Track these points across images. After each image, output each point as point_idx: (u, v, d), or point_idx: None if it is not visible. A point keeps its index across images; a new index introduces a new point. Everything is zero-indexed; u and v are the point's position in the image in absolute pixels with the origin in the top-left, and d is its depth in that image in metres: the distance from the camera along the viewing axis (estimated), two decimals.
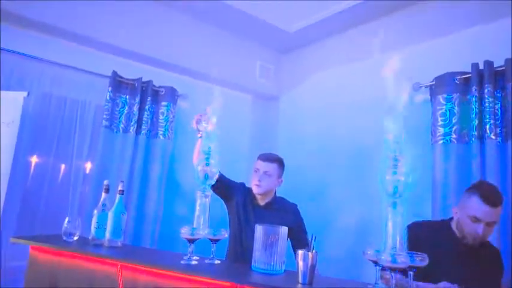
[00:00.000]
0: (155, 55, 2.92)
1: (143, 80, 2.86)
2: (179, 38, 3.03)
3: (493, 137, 2.03)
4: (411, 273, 1.17)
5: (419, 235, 1.51)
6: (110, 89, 2.70)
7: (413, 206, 2.36)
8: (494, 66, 2.11)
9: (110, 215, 1.58)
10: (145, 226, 2.74)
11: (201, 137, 1.89)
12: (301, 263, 1.19)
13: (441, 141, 2.23)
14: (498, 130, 2.06)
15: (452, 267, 1.58)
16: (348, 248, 2.72)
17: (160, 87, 2.95)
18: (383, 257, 1.09)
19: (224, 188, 2.08)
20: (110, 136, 2.69)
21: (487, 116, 2.06)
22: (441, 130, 2.25)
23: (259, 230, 1.34)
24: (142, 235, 2.72)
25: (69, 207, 2.55)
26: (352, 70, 3.05)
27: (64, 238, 1.62)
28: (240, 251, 2.02)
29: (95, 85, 2.71)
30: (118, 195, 1.62)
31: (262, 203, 2.12)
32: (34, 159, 2.52)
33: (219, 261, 1.42)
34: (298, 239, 2.05)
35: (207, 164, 1.47)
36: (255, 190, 2.10)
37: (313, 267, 1.19)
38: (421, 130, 2.42)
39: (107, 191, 1.66)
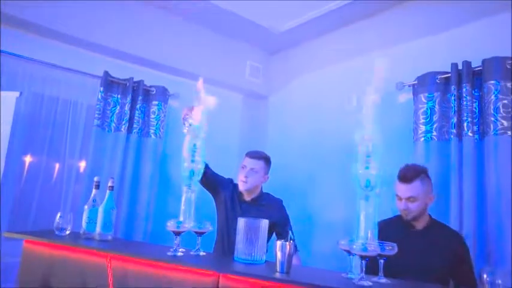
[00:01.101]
0: (146, 55, 2.98)
1: (134, 79, 2.91)
2: (170, 38, 3.09)
3: (471, 134, 2.11)
4: (381, 261, 1.25)
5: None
6: (101, 88, 2.75)
7: (395, 203, 2.44)
8: (473, 66, 2.20)
9: (100, 210, 1.64)
10: (137, 223, 2.80)
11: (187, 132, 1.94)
12: (279, 253, 1.27)
13: (422, 139, 2.32)
14: (475, 128, 2.15)
15: (406, 251, 1.66)
16: (335, 244, 2.80)
17: (151, 86, 3.01)
18: (354, 246, 1.17)
19: (210, 181, 2.15)
20: (101, 135, 2.75)
21: (465, 114, 2.14)
22: (422, 128, 2.33)
23: (241, 222, 1.41)
24: (134, 232, 2.78)
25: (62, 204, 2.61)
26: (339, 70, 3.13)
27: (56, 232, 1.68)
28: (226, 245, 2.10)
29: (86, 85, 2.77)
30: (108, 191, 1.68)
31: (248, 198, 2.19)
32: (27, 158, 2.57)
33: (204, 253, 1.49)
34: (284, 235, 2.12)
35: (192, 161, 1.53)
36: (241, 186, 2.18)
37: (290, 257, 1.27)
38: (406, 128, 2.50)
39: (97, 187, 1.72)
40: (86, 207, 1.69)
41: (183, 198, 1.50)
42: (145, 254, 1.43)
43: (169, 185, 3.06)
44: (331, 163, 2.99)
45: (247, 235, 1.39)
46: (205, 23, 3.22)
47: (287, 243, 1.26)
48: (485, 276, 1.04)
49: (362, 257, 1.17)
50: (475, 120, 2.16)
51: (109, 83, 2.82)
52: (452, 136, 2.18)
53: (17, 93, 2.13)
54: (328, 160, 3.03)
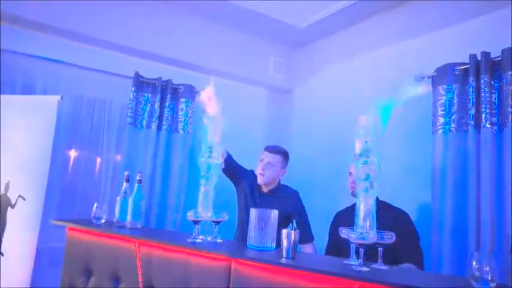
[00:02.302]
0: (174, 55, 3.17)
1: (163, 79, 3.11)
2: (195, 38, 3.25)
3: (489, 126, 2.10)
4: (380, 249, 1.34)
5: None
6: (133, 88, 2.97)
7: (415, 193, 2.49)
8: (492, 56, 2.17)
9: (130, 201, 1.83)
10: (168, 214, 3.02)
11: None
12: (285, 241, 1.38)
13: (441, 131, 2.32)
14: (495, 119, 2.13)
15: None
16: None
17: (179, 85, 3.19)
18: (352, 235, 1.26)
19: (232, 171, 2.33)
20: (134, 132, 2.97)
21: (483, 106, 2.13)
22: (441, 120, 2.33)
23: (253, 213, 1.54)
24: (165, 222, 2.99)
25: (101, 195, 2.86)
26: (362, 63, 3.16)
27: (93, 221, 1.90)
28: (246, 232, 2.24)
29: (120, 86, 3.00)
30: (136, 184, 1.87)
31: (265, 190, 2.34)
32: (72, 154, 2.84)
33: (221, 240, 1.64)
34: (301, 228, 2.24)
35: (209, 157, 1.67)
36: (258, 179, 2.31)
37: (295, 244, 1.38)
38: (425, 121, 2.51)
39: (128, 180, 1.92)
40: (118, 198, 1.89)
41: (201, 190, 1.65)
42: (168, 240, 1.61)
43: (198, 177, 3.23)
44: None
45: (259, 224, 1.52)
46: (229, 23, 3.35)
47: (292, 231, 1.38)
48: (474, 263, 1.10)
49: (359, 245, 1.27)
50: (494, 112, 2.14)
51: (140, 83, 3.03)
52: (470, 128, 2.17)
53: (58, 97, 2.36)
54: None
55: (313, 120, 3.51)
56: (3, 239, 2.22)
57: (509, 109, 2.03)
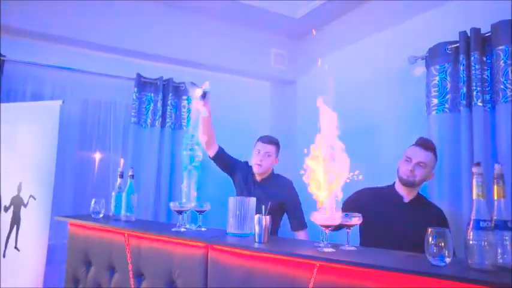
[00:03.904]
0: (175, 54, 3.26)
1: (164, 78, 3.21)
2: (195, 36, 3.32)
3: (480, 104, 2.05)
4: (348, 231, 1.36)
5: (358, 199, 1.84)
6: (135, 89, 3.09)
7: None
8: (483, 32, 2.10)
9: (123, 195, 1.94)
10: None
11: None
12: (257, 227, 1.43)
13: (434, 112, 2.28)
14: (488, 97, 2.07)
15: (392, 224, 1.73)
16: None
17: (180, 83, 3.29)
18: (315, 217, 1.29)
19: (225, 163, 2.42)
20: (138, 131, 3.10)
21: (474, 84, 2.08)
22: (434, 101, 2.29)
23: (231, 201, 1.60)
24: (172, 215, 3.11)
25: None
26: (360, 47, 3.12)
27: (92, 216, 2.02)
28: None
29: (123, 87, 3.13)
30: (129, 180, 1.97)
31: (259, 179, 2.39)
32: (81, 155, 3.00)
33: (205, 229, 1.71)
34: (295, 215, 2.28)
35: (191, 150, 1.75)
36: (256, 169, 2.37)
37: (267, 228, 1.42)
38: (420, 103, 2.46)
39: (122, 176, 2.02)
40: (113, 193, 2.00)
41: (185, 182, 1.73)
42: (153, 230, 1.69)
43: (204, 171, 3.32)
44: (361, 143, 3.01)
45: (237, 212, 1.57)
46: (226, 19, 3.39)
47: (264, 217, 1.42)
48: (430, 239, 1.11)
49: (324, 227, 1.29)
50: (487, 89, 2.08)
51: (142, 84, 3.15)
52: (461, 107, 2.12)
53: (60, 102, 2.51)
54: (359, 140, 3.05)
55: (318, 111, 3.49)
56: (19, 236, 2.40)
57: (501, 86, 1.97)
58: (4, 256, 2.41)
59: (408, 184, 1.87)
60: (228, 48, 3.47)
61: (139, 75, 3.13)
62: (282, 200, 2.26)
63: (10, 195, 2.45)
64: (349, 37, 3.19)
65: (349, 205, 1.61)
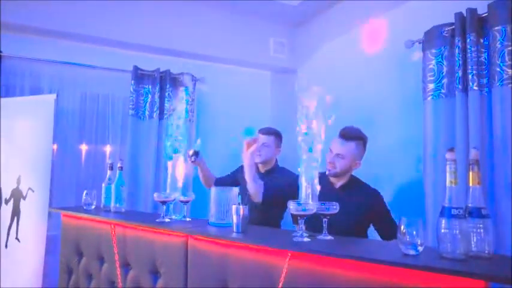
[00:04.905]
0: (172, 46, 3.24)
1: (161, 70, 3.21)
2: (192, 27, 3.29)
3: (476, 88, 1.96)
4: (325, 219, 1.33)
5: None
6: (132, 82, 3.10)
7: (406, 164, 2.42)
8: (479, 13, 2.01)
9: (113, 187, 1.95)
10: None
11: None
12: (235, 217, 1.42)
13: (430, 98, 2.21)
14: (485, 80, 1.99)
15: None
16: None
17: (178, 74, 3.28)
18: (291, 206, 1.27)
19: (226, 184, 2.40)
20: (136, 123, 3.11)
21: (470, 67, 1.99)
22: (430, 86, 2.21)
23: (213, 191, 1.59)
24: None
25: None
26: (359, 33, 3.04)
27: (84, 207, 2.05)
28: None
29: (120, 80, 3.13)
30: (118, 171, 1.98)
31: (262, 170, 2.42)
32: (82, 147, 3.05)
33: (189, 219, 1.71)
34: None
35: (176, 140, 1.75)
36: (256, 159, 2.33)
37: (245, 218, 1.41)
38: (417, 89, 2.39)
39: (111, 168, 2.04)
40: (103, 185, 2.02)
41: (169, 173, 1.73)
42: (137, 221, 1.70)
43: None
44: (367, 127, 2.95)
45: (218, 201, 1.56)
46: (223, 7, 3.35)
47: (241, 207, 1.41)
48: (402, 227, 1.07)
49: (299, 216, 1.27)
50: (483, 73, 2.00)
51: (139, 76, 3.16)
52: (457, 92, 2.05)
53: (54, 95, 2.54)
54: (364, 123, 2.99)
55: (321, 96, 3.42)
56: (19, 227, 2.46)
57: (497, 68, 1.89)
58: (6, 247, 2.48)
59: (331, 175, 1.92)
60: (226, 37, 3.43)
61: (136, 68, 3.13)
62: (283, 193, 2.23)
63: (10, 188, 2.51)
64: (347, 24, 3.11)
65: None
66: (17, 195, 2.49)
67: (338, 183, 1.95)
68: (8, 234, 2.48)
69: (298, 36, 3.72)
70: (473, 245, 1.03)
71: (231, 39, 3.46)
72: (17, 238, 2.46)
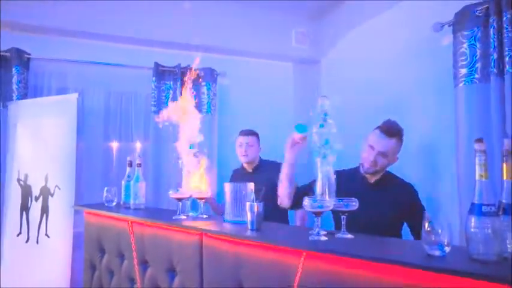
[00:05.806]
0: (193, 41, 3.20)
1: (182, 65, 3.19)
2: (211, 20, 3.25)
3: None
4: (344, 216, 1.25)
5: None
6: (153, 78, 3.11)
7: (437, 154, 2.28)
8: None
9: (132, 184, 1.96)
10: None
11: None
12: (249, 214, 1.36)
13: (462, 84, 2.05)
14: None
15: (362, 203, 1.58)
16: None
17: (199, 69, 3.25)
18: (305, 203, 1.20)
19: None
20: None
21: (507, 48, 1.82)
22: (463, 71, 2.05)
23: (227, 187, 1.54)
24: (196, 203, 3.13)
25: None
26: (384, 19, 2.89)
27: (105, 204, 2.07)
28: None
29: (142, 77, 3.15)
30: (136, 168, 1.98)
31: (249, 169, 2.64)
32: (105, 144, 3.10)
33: (206, 216, 1.68)
34: None
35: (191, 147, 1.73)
36: (244, 160, 2.61)
37: (259, 215, 1.36)
38: (448, 74, 2.23)
39: (130, 165, 2.04)
40: (122, 182, 2.03)
41: (184, 170, 1.70)
42: (154, 217, 1.69)
43: (226, 156, 3.30)
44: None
45: (233, 199, 1.52)
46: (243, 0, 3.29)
47: (255, 204, 1.35)
48: (426, 225, 0.98)
49: (316, 214, 1.20)
50: None
51: (160, 72, 3.16)
52: (492, 76, 1.88)
53: (76, 94, 2.58)
54: (386, 116, 2.86)
55: (345, 89, 3.29)
56: (48, 224, 2.53)
57: None
58: (37, 242, 2.56)
59: (369, 173, 1.81)
60: (246, 30, 3.37)
61: (157, 64, 3.14)
62: (272, 182, 2.18)
63: (39, 186, 2.59)
64: (371, 10, 2.96)
65: None
66: (46, 193, 2.56)
67: (373, 178, 1.85)
68: (39, 230, 2.55)
69: (320, 26, 3.59)
70: (508, 246, 0.92)
71: (252, 31, 3.39)
72: (46, 234, 2.53)
